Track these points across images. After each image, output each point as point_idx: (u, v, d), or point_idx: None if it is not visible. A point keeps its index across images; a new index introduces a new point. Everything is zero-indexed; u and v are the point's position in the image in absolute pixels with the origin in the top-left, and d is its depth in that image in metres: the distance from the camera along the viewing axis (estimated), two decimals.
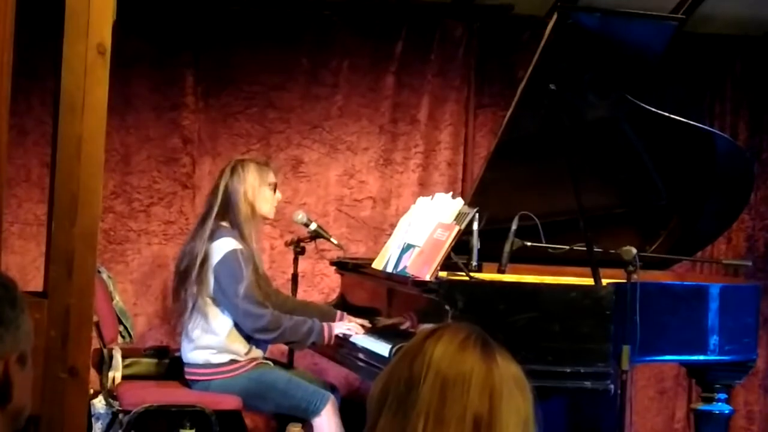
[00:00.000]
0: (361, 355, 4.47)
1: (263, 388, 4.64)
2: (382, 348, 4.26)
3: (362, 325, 4.71)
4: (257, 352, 4.72)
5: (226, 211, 4.68)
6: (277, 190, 4.82)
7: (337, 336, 4.65)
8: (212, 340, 4.64)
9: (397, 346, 4.02)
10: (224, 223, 4.67)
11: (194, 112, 5.78)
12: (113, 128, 5.36)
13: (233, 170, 4.73)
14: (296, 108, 5.93)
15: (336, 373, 5.67)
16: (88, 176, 2.86)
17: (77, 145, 2.86)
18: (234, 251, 4.58)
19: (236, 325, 4.64)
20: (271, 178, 4.80)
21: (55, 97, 2.95)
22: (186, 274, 4.65)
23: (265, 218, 4.83)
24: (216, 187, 4.75)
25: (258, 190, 4.72)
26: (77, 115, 2.87)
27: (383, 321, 4.67)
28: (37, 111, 5.44)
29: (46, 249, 2.97)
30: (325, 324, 4.67)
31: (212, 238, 4.62)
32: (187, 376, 4.73)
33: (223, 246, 4.59)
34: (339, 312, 4.94)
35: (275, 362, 4.95)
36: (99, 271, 4.66)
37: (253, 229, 4.70)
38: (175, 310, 4.80)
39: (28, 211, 5.54)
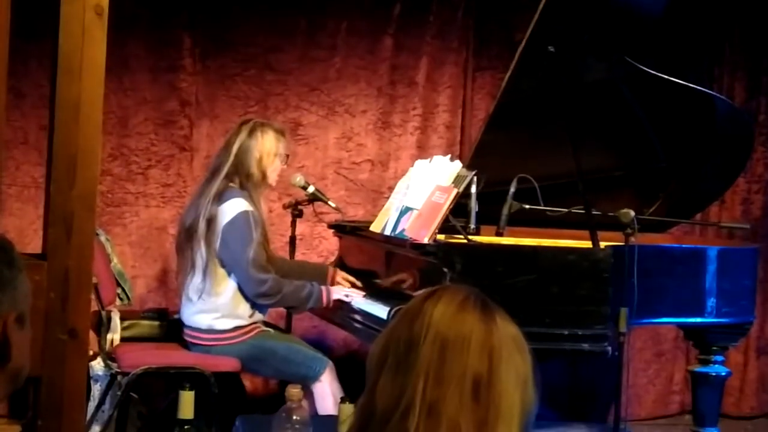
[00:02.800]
0: (359, 318, 4.48)
1: (264, 354, 4.65)
2: (381, 310, 4.27)
3: (360, 288, 4.72)
4: (259, 316, 4.73)
5: (236, 172, 4.63)
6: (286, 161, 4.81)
7: (335, 300, 4.66)
8: (217, 303, 4.64)
9: (395, 309, 4.03)
10: (233, 184, 4.64)
11: (192, 74, 5.76)
12: (110, 90, 5.34)
13: (252, 132, 4.66)
14: (294, 70, 5.91)
15: (335, 335, 5.69)
16: (87, 137, 2.86)
17: (75, 107, 2.85)
18: (245, 212, 4.55)
19: (240, 288, 4.64)
20: (286, 149, 4.77)
21: (52, 58, 2.94)
22: (191, 233, 4.62)
23: (269, 185, 4.83)
24: (229, 145, 4.67)
25: (272, 160, 4.69)
26: (75, 76, 2.86)
27: (381, 284, 4.68)
28: (35, 73, 5.41)
29: (44, 211, 2.97)
30: (323, 288, 4.67)
31: (221, 197, 4.58)
32: (188, 339, 4.73)
33: (234, 207, 4.56)
34: (331, 269, 4.94)
35: (274, 328, 4.96)
36: (97, 234, 4.65)
37: (261, 195, 4.70)
38: (179, 271, 4.79)
39: (26, 173, 5.52)
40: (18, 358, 1.67)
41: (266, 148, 4.66)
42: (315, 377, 4.60)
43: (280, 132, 4.77)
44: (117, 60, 5.44)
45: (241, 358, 4.63)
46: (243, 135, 4.66)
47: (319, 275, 4.85)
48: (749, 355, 6.43)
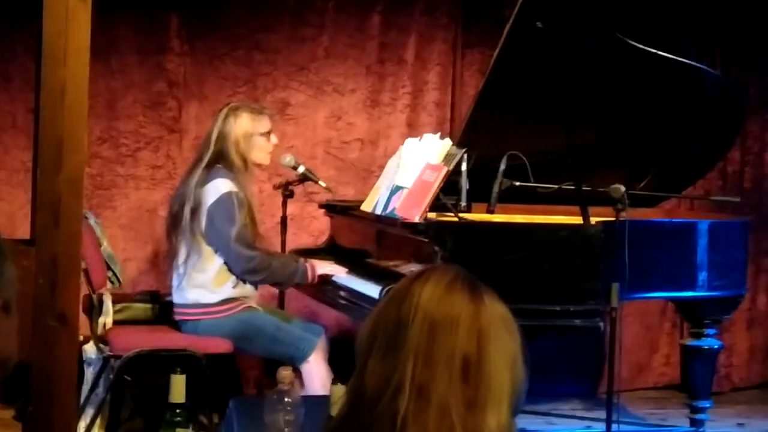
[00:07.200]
0: (351, 297, 4.48)
1: (252, 331, 4.66)
2: (372, 289, 4.27)
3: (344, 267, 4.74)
4: (247, 289, 4.72)
5: (219, 159, 4.65)
6: (272, 136, 4.79)
7: (320, 276, 4.67)
8: (203, 279, 4.66)
9: (387, 288, 4.03)
10: (220, 165, 4.65)
11: (179, 55, 5.74)
12: (98, 73, 5.32)
13: (226, 117, 4.68)
14: (282, 49, 5.88)
15: (327, 315, 5.68)
16: (73, 123, 2.85)
17: (61, 92, 2.83)
18: (229, 193, 4.57)
19: (226, 264, 4.65)
20: (265, 126, 4.76)
21: (37, 44, 2.93)
22: (178, 216, 4.65)
23: (258, 165, 4.82)
24: (208, 135, 4.72)
25: (250, 141, 4.69)
26: (60, 61, 2.84)
27: (373, 263, 4.68)
28: (22, 57, 5.38)
29: (32, 196, 2.97)
30: (308, 264, 4.69)
31: (207, 179, 4.60)
32: (177, 317, 4.75)
33: (218, 187, 4.58)
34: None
35: (265, 308, 4.95)
36: (86, 217, 4.64)
37: (246, 179, 4.70)
38: (169, 253, 4.80)
39: (15, 157, 5.51)
40: (5, 347, 1.66)
41: (241, 131, 4.67)
42: (303, 358, 4.61)
43: (256, 111, 4.78)
44: (104, 42, 5.42)
45: (230, 336, 4.63)
46: (219, 122, 4.70)
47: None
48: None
